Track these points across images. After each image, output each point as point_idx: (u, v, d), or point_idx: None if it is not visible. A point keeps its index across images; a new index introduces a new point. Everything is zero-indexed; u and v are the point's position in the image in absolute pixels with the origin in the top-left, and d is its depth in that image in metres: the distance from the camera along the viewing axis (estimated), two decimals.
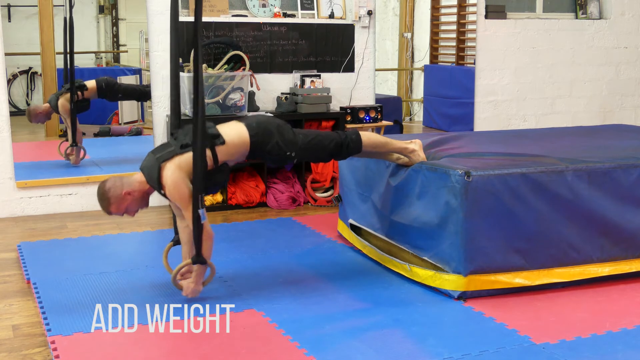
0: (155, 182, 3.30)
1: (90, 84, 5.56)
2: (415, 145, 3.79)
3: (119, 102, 6.03)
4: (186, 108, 5.19)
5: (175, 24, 3.45)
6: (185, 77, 5.11)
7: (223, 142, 3.36)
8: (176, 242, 3.59)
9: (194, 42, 3.26)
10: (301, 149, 3.54)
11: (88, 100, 5.53)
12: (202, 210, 3.26)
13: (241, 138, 3.42)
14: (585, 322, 3.20)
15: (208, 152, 3.32)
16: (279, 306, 3.36)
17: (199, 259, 3.31)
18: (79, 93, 5.46)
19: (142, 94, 5.83)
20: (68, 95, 5.39)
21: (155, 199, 5.55)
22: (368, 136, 3.72)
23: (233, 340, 3.00)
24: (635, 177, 3.68)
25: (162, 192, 3.33)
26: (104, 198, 3.34)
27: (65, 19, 5.37)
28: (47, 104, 5.47)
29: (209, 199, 5.30)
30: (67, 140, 5.51)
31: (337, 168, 5.04)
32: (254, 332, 3.09)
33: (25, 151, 5.52)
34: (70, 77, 5.41)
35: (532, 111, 6.69)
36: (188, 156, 3.28)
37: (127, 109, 6.09)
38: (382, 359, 2.84)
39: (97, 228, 4.83)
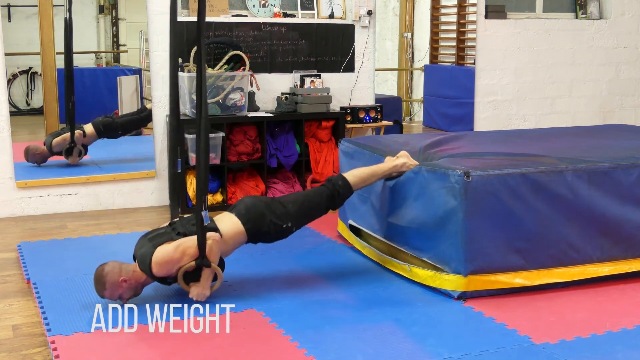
0: (147, 267, 3.27)
1: (88, 128, 5.56)
2: (403, 158, 3.77)
3: (119, 101, 6.02)
4: (186, 108, 5.19)
5: (174, 25, 3.45)
6: (185, 77, 5.11)
7: (220, 236, 3.37)
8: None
9: (198, 44, 3.26)
10: (296, 218, 3.55)
11: (86, 147, 5.55)
12: (206, 212, 3.26)
13: (236, 230, 3.44)
14: (585, 322, 3.20)
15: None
16: (279, 306, 3.36)
17: (203, 261, 3.30)
18: (77, 136, 5.49)
19: (140, 121, 5.84)
20: (64, 135, 5.43)
21: (154, 199, 5.56)
22: (353, 175, 3.74)
23: (233, 340, 3.00)
24: (635, 177, 3.68)
25: (153, 275, 3.29)
26: (100, 282, 3.29)
27: (65, 19, 5.37)
28: (44, 147, 5.48)
29: (209, 199, 5.30)
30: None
31: (337, 168, 5.04)
32: (254, 332, 3.09)
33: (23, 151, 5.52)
34: (69, 76, 5.41)
35: (532, 111, 6.69)
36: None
37: (127, 109, 6.08)
38: (382, 359, 2.84)
39: (97, 228, 4.83)
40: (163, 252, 3.25)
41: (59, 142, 5.45)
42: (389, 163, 3.78)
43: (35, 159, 5.46)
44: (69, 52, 5.39)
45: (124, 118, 5.84)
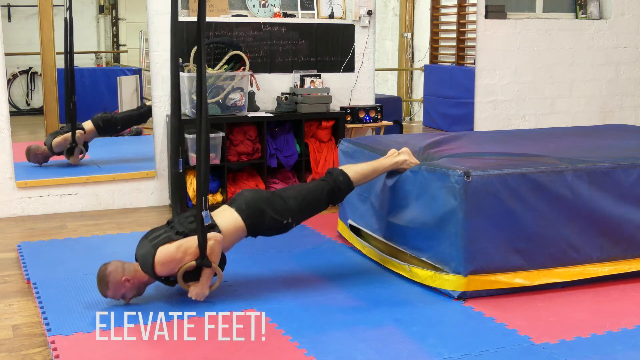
0: (150, 268, 3.27)
1: (87, 125, 5.55)
2: (404, 155, 3.77)
3: (119, 101, 6.03)
4: (186, 108, 5.19)
5: (175, 25, 3.46)
6: (185, 77, 5.11)
7: (219, 232, 3.36)
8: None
9: (197, 43, 3.26)
10: (297, 213, 3.55)
11: (86, 144, 5.55)
12: (207, 212, 3.26)
13: (236, 225, 3.44)
14: (585, 322, 3.20)
15: None
16: (279, 306, 3.36)
17: (203, 261, 3.30)
18: (78, 136, 5.49)
19: (139, 117, 5.84)
20: (65, 135, 5.42)
21: (154, 199, 5.56)
22: (355, 170, 3.72)
23: (233, 340, 3.00)
24: (635, 177, 3.68)
25: (156, 275, 3.30)
26: (103, 281, 3.29)
27: (65, 19, 5.37)
28: (44, 147, 5.48)
29: (209, 199, 5.29)
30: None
31: None
32: (254, 332, 3.08)
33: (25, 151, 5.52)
34: (70, 76, 5.42)
35: (532, 111, 6.69)
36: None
37: (127, 109, 6.08)
38: (382, 359, 2.84)
39: (97, 228, 4.83)
40: (165, 252, 3.25)
41: (60, 142, 5.45)
42: (391, 159, 3.77)
43: (37, 159, 5.47)
44: (70, 52, 5.39)
45: (123, 114, 5.86)
